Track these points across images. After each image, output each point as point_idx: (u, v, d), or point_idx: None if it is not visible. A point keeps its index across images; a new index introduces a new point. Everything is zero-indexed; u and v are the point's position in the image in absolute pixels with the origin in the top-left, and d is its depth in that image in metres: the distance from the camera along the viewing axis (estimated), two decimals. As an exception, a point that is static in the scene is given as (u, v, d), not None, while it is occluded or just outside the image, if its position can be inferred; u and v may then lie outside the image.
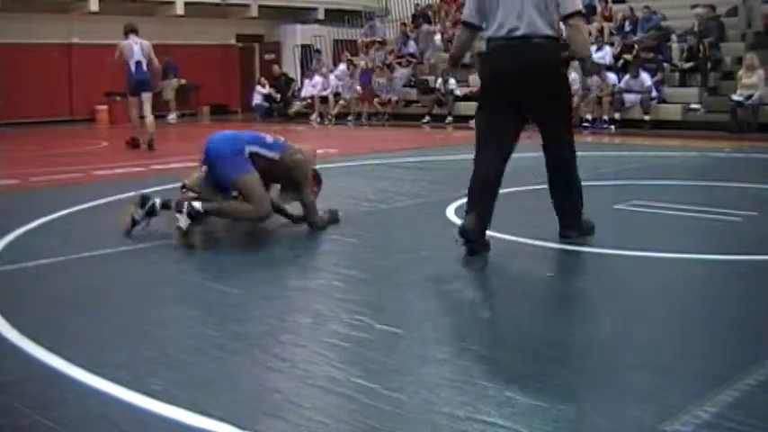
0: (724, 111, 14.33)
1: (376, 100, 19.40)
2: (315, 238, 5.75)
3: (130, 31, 12.76)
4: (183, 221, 5.18)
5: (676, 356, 3.25)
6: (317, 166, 6.16)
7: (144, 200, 5.75)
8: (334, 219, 5.92)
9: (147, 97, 12.74)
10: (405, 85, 19.66)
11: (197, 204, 5.21)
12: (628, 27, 17.05)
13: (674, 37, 16.34)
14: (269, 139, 5.68)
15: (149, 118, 12.67)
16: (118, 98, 20.45)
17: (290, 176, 5.68)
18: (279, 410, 2.74)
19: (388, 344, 3.41)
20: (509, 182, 8.07)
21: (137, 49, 12.49)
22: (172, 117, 20.83)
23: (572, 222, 5.28)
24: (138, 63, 12.48)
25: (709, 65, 15.34)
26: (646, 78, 15.23)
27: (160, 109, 21.09)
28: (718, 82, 15.42)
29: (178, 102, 21.80)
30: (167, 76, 21.03)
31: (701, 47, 15.39)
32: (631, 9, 17.37)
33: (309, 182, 5.78)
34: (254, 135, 5.69)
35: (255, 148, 5.52)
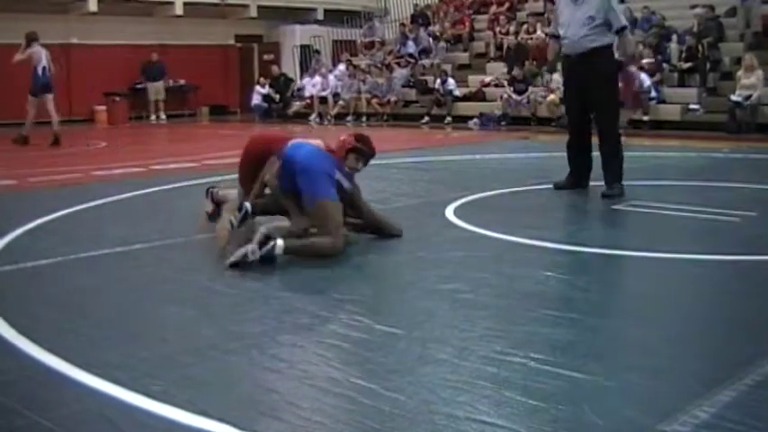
0: (723, 111, 14.34)
1: (375, 100, 19.40)
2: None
3: (33, 39, 14.17)
4: (254, 252, 4.69)
5: (674, 357, 3.25)
6: None
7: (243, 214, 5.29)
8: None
9: (49, 98, 14.17)
10: (404, 86, 19.67)
11: (280, 243, 4.77)
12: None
13: (674, 37, 16.31)
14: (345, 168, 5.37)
15: (55, 116, 14.17)
16: (117, 98, 20.53)
17: (351, 204, 5.37)
18: (277, 411, 2.74)
19: (386, 344, 3.41)
20: (508, 182, 8.11)
21: (43, 55, 14.06)
22: (154, 118, 21.07)
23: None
24: (44, 68, 14.06)
25: (708, 65, 15.35)
26: (645, 79, 15.23)
27: (146, 110, 21.25)
28: (717, 82, 15.43)
29: (176, 102, 21.85)
30: (156, 78, 21.10)
31: (699, 47, 15.40)
32: (630, 10, 17.37)
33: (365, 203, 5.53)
34: (337, 161, 5.32)
35: (339, 176, 5.20)
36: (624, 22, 7.23)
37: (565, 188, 7.38)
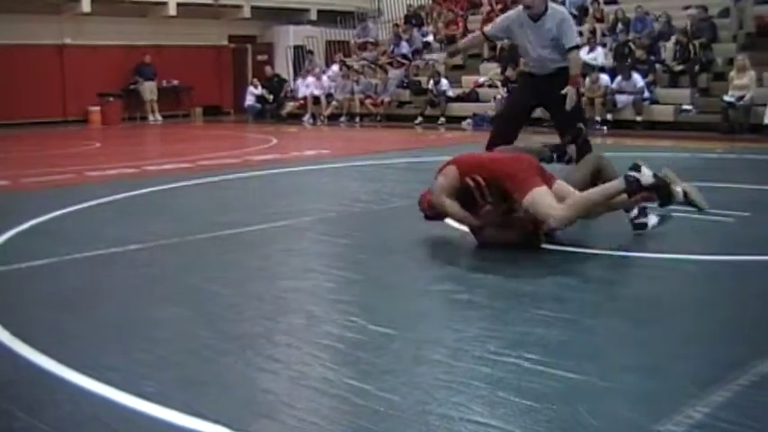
0: (716, 112, 14.37)
1: (368, 101, 19.39)
2: (307, 239, 5.75)
3: None
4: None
5: (669, 357, 3.25)
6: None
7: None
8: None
9: None
10: (397, 86, 19.66)
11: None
12: (620, 28, 17.09)
13: (673, 38, 16.27)
14: None
15: None
16: (111, 99, 20.49)
17: None
18: (272, 412, 2.75)
19: (381, 345, 3.41)
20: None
21: None
22: (153, 118, 21.20)
23: None
24: None
25: (696, 67, 15.38)
26: (638, 79, 15.27)
27: (140, 110, 21.25)
28: (710, 83, 15.47)
29: (170, 103, 21.82)
30: (149, 79, 21.10)
31: (691, 47, 15.43)
32: (623, 11, 17.40)
33: None
34: None
35: None
36: (577, 41, 7.05)
37: None
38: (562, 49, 6.85)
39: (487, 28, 7.38)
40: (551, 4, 6.83)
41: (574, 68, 7.04)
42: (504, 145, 6.55)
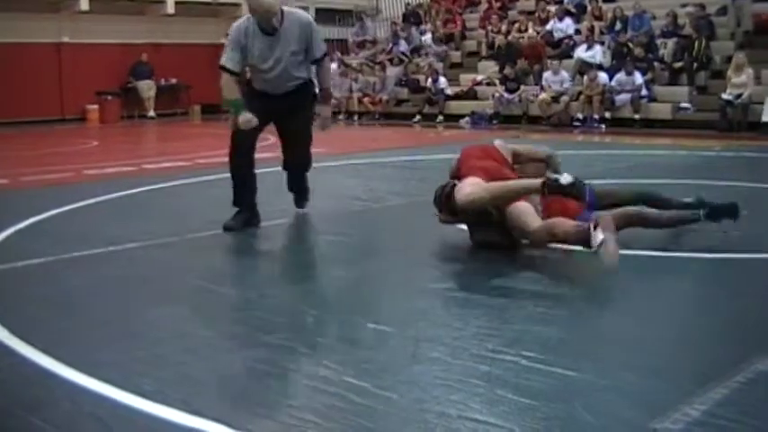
0: (714, 110, 14.38)
1: (367, 99, 19.37)
2: (305, 237, 5.75)
3: None
4: None
5: (666, 354, 3.26)
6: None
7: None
8: None
9: None
10: (396, 84, 19.65)
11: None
12: (618, 26, 17.10)
13: (676, 39, 16.23)
14: None
15: None
16: (109, 97, 20.48)
17: None
18: (270, 410, 2.74)
19: (379, 343, 3.41)
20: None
21: None
22: (153, 114, 21.35)
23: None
24: None
25: (695, 65, 15.38)
26: (637, 77, 15.27)
27: (139, 108, 21.25)
28: (708, 81, 15.47)
29: (168, 101, 21.81)
30: (142, 77, 21.12)
31: (696, 44, 15.44)
32: (621, 9, 17.41)
33: None
34: None
35: None
36: (324, 49, 6.00)
37: (238, 228, 5.81)
38: (303, 61, 5.87)
39: (223, 59, 5.85)
40: (288, 9, 5.79)
41: (325, 81, 6.16)
42: (240, 179, 5.83)
